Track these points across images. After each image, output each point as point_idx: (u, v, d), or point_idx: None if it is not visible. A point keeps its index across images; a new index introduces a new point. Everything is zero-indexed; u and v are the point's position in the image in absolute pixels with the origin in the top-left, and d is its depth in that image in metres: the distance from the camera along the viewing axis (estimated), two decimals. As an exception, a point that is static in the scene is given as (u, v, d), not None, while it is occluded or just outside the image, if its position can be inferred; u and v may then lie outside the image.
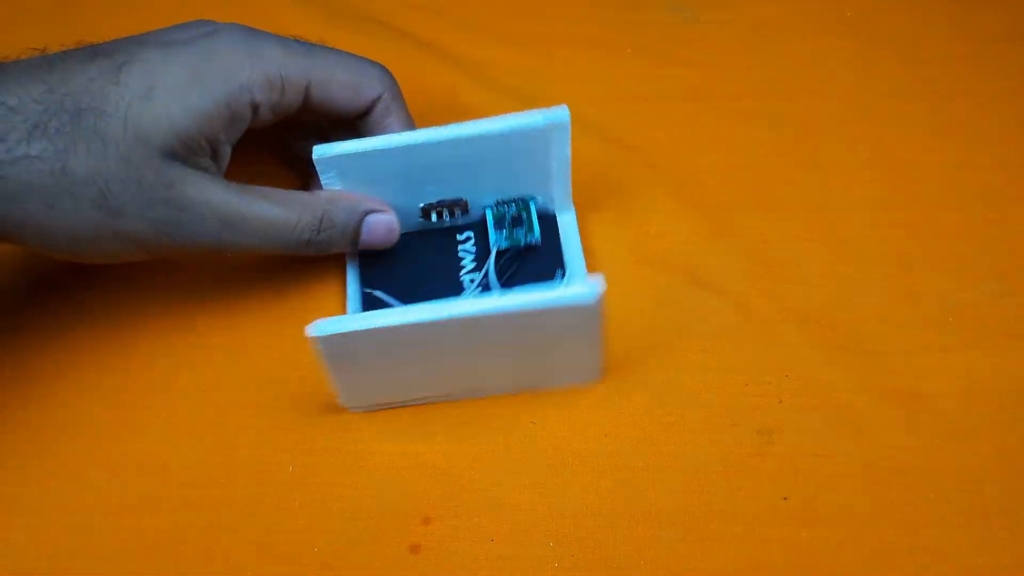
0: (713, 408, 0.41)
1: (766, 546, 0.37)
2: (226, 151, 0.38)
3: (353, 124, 0.42)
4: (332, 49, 0.41)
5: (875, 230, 0.47)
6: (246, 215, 0.37)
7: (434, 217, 0.43)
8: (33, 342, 0.44)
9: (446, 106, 0.53)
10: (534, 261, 0.43)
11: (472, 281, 0.42)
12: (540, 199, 0.43)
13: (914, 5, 0.57)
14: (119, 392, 0.43)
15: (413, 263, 0.43)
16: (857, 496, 0.38)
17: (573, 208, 0.45)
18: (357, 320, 0.33)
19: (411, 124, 0.43)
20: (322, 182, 0.41)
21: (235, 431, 0.41)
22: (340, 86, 0.40)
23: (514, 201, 0.43)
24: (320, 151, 0.39)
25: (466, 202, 0.43)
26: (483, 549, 0.37)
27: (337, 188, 0.41)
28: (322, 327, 0.33)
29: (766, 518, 0.38)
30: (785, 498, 0.38)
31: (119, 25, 0.60)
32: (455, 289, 0.42)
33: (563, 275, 0.41)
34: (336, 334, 0.33)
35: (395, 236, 0.42)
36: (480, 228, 0.44)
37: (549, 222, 0.44)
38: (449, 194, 0.42)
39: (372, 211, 0.41)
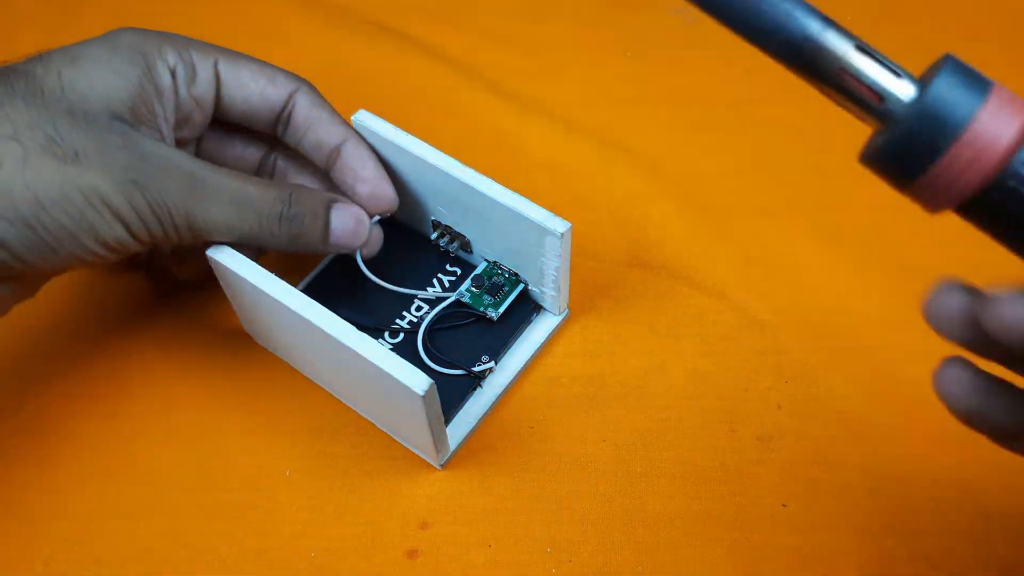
0: (712, 413, 0.41)
1: (765, 552, 0.37)
2: (168, 134, 0.37)
3: (273, 136, 0.41)
4: None
5: (876, 234, 0.47)
6: (216, 178, 0.35)
7: (435, 235, 0.44)
8: (29, 347, 0.44)
9: (445, 108, 0.53)
10: (480, 332, 0.42)
11: (416, 308, 0.42)
12: (535, 291, 0.43)
13: (914, 8, 0.57)
14: (115, 397, 0.42)
15: (395, 253, 0.43)
16: (856, 503, 0.38)
17: (559, 314, 0.43)
18: (234, 259, 0.37)
19: (343, 125, 0.41)
20: None
21: (231, 434, 0.41)
22: (251, 73, 0.39)
23: (510, 272, 0.43)
24: (358, 117, 0.41)
25: (469, 241, 0.43)
26: (481, 554, 0.37)
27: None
28: (215, 251, 0.37)
29: (765, 524, 0.38)
30: (784, 504, 0.38)
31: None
32: (402, 300, 0.42)
33: (488, 361, 0.41)
34: (217, 260, 0.37)
35: (364, 231, 0.40)
36: (470, 272, 0.44)
37: (526, 313, 0.43)
38: (456, 226, 0.43)
39: (339, 200, 0.39)
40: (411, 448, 0.40)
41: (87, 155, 0.32)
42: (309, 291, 0.40)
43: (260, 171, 0.42)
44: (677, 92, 0.54)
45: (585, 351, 0.43)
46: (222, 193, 0.36)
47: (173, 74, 0.37)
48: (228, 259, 0.37)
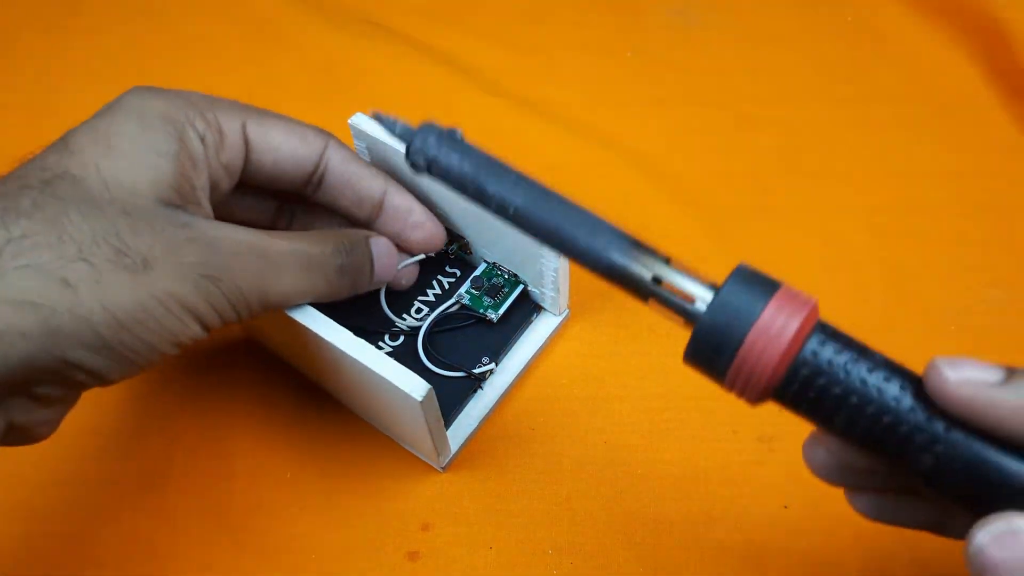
0: (713, 415, 0.41)
1: (766, 554, 0.37)
2: (207, 205, 0.35)
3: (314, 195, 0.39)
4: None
5: (876, 237, 0.47)
6: (278, 246, 0.34)
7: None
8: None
9: (445, 108, 0.53)
10: (480, 333, 0.42)
11: (416, 310, 0.42)
12: (535, 292, 0.43)
13: (913, 12, 0.57)
14: (115, 398, 0.42)
15: None
16: (857, 504, 0.38)
17: (559, 315, 0.43)
18: None
19: (380, 175, 0.40)
20: (355, 146, 0.42)
21: (233, 437, 0.41)
22: (281, 134, 0.37)
23: (509, 274, 0.43)
24: (354, 120, 0.41)
25: (468, 243, 0.43)
26: (482, 556, 0.37)
27: (366, 159, 0.42)
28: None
29: (766, 526, 0.38)
30: (786, 506, 0.38)
31: (118, 29, 0.60)
32: (402, 303, 0.42)
33: (488, 363, 0.41)
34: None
35: (396, 261, 0.39)
36: (470, 274, 0.44)
37: (526, 314, 0.43)
38: (455, 227, 0.43)
39: (371, 235, 0.39)
40: (412, 451, 0.40)
41: (156, 259, 0.31)
42: None
43: (276, 222, 0.41)
44: (677, 92, 0.54)
45: (585, 352, 0.43)
46: (288, 263, 0.34)
47: (203, 141, 0.35)
48: None
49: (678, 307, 0.26)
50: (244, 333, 0.44)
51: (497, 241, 0.41)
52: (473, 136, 0.52)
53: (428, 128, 0.28)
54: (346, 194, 0.39)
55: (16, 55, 0.58)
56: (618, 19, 0.58)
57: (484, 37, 0.57)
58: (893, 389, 0.24)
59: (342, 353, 0.34)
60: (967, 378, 0.24)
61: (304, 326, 0.35)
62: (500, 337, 0.42)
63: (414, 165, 0.28)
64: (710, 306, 0.25)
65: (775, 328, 0.24)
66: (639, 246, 0.27)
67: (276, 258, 0.34)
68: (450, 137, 0.29)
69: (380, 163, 0.42)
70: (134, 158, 0.32)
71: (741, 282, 0.25)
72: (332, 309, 0.36)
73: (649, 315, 0.44)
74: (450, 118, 0.52)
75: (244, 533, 0.38)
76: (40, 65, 0.58)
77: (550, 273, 0.40)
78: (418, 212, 0.40)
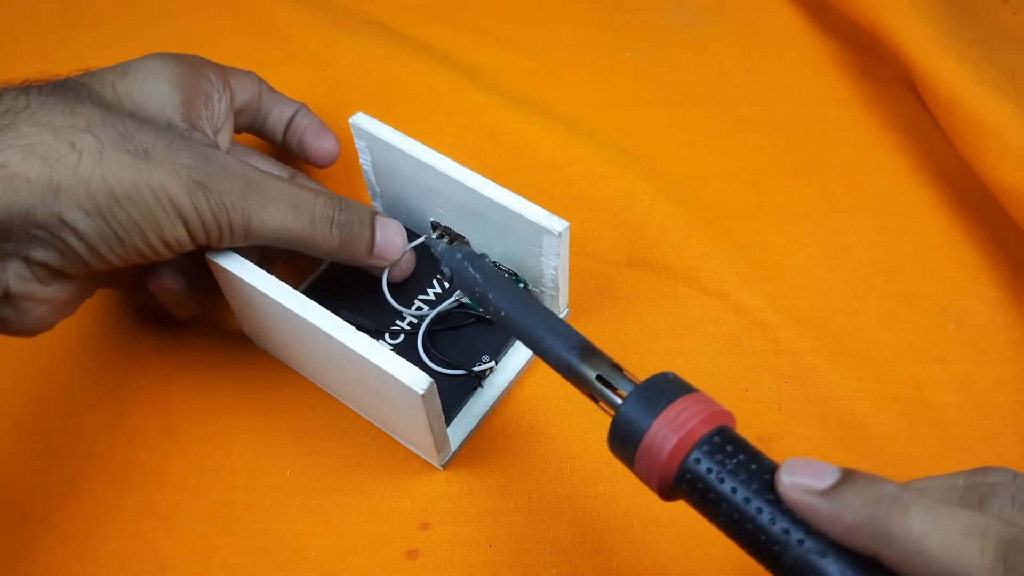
0: (712, 414, 0.41)
1: (765, 553, 0.37)
2: (214, 141, 0.38)
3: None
4: None
5: (876, 236, 0.47)
6: (271, 182, 0.37)
7: (434, 236, 0.44)
8: (30, 347, 0.44)
9: (445, 108, 0.53)
10: (480, 332, 0.42)
11: (416, 308, 0.42)
12: (535, 291, 0.42)
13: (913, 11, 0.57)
14: (116, 399, 0.42)
15: None
16: (857, 503, 0.38)
17: (560, 314, 0.43)
18: (236, 263, 0.37)
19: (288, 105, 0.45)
20: (356, 145, 0.43)
21: (232, 435, 0.41)
22: (242, 79, 0.43)
23: (509, 272, 0.42)
24: (356, 119, 0.42)
25: (468, 242, 0.43)
26: (481, 555, 0.37)
27: (367, 160, 0.43)
28: (215, 255, 0.38)
29: (765, 525, 0.38)
30: (784, 505, 0.38)
31: (118, 28, 0.60)
32: (402, 302, 0.42)
33: (489, 361, 0.41)
34: (219, 264, 0.37)
35: (404, 245, 0.41)
36: None
37: None
38: (456, 226, 0.43)
39: (380, 213, 0.41)
40: (412, 449, 0.40)
41: (156, 153, 0.34)
42: (309, 294, 0.40)
43: None
44: (677, 92, 0.54)
45: (585, 351, 0.43)
46: (279, 196, 0.37)
47: (216, 86, 0.39)
48: (230, 263, 0.37)
49: (610, 401, 0.30)
50: (243, 333, 0.44)
51: (497, 240, 0.41)
52: (473, 135, 0.52)
53: (456, 249, 0.37)
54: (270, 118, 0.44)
55: (16, 55, 0.58)
56: (618, 19, 0.58)
57: (484, 37, 0.57)
58: (759, 501, 0.25)
59: (344, 347, 0.34)
60: (798, 483, 0.25)
61: (307, 320, 0.35)
62: (500, 335, 0.42)
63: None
64: (619, 409, 0.29)
65: (658, 442, 0.27)
66: (590, 352, 0.32)
67: (264, 187, 0.36)
68: (471, 255, 0.37)
69: (381, 162, 0.42)
70: (147, 83, 0.36)
71: (638, 398, 0.28)
72: (333, 308, 0.36)
73: (649, 315, 0.44)
74: (450, 117, 0.52)
75: (244, 533, 0.38)
76: (40, 65, 0.58)
77: (550, 272, 0.40)
78: (325, 135, 0.45)
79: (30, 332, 0.35)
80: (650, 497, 0.38)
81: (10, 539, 0.39)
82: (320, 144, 0.44)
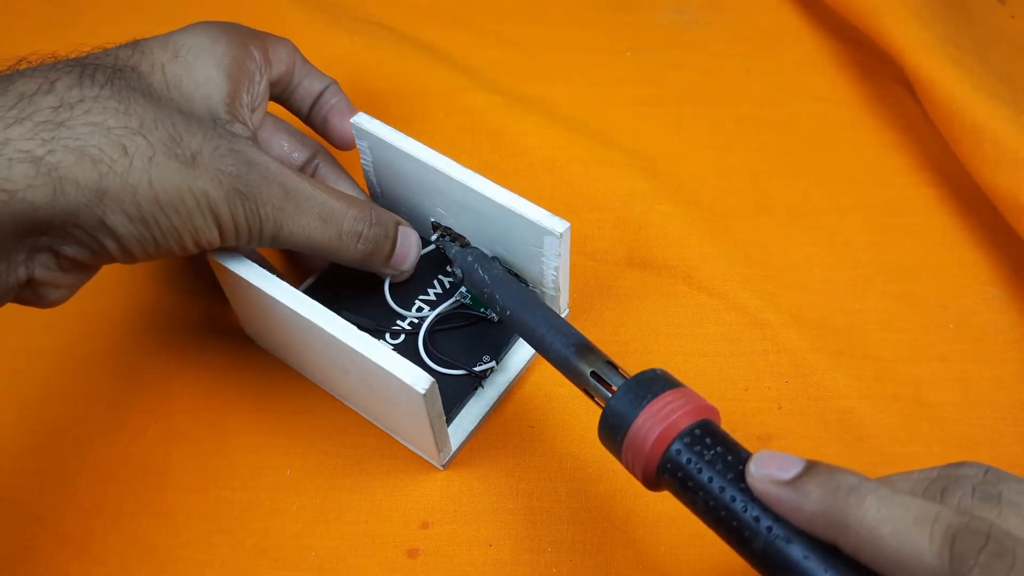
0: (713, 413, 0.41)
1: (765, 552, 0.37)
2: (251, 125, 0.38)
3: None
4: None
5: (876, 235, 0.47)
6: (307, 190, 0.37)
7: (434, 236, 0.44)
8: (30, 347, 0.44)
9: (445, 108, 0.53)
10: (481, 332, 0.42)
11: (416, 308, 0.42)
12: (536, 291, 0.42)
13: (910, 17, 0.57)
14: (116, 398, 0.42)
15: None
16: (857, 503, 0.38)
17: (560, 314, 0.42)
18: (237, 262, 0.37)
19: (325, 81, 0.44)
20: (358, 145, 0.43)
21: (232, 434, 0.41)
22: (282, 46, 0.42)
23: (511, 272, 0.42)
24: (358, 119, 0.42)
25: (468, 242, 0.43)
26: (481, 554, 0.37)
27: (368, 160, 0.43)
28: (216, 254, 0.38)
29: (765, 524, 0.38)
30: (785, 504, 0.38)
31: (118, 28, 0.60)
32: (403, 302, 0.42)
33: (489, 361, 0.41)
34: (220, 263, 0.37)
35: (417, 254, 0.42)
36: None
37: None
38: (456, 226, 0.43)
39: (402, 222, 0.41)
40: (412, 448, 0.40)
41: (202, 159, 0.34)
42: (310, 293, 0.40)
43: (303, 171, 0.43)
44: (677, 92, 0.54)
45: (585, 351, 0.43)
46: (311, 206, 0.37)
47: (258, 65, 0.39)
48: (231, 262, 0.37)
49: (602, 395, 0.32)
50: (244, 333, 0.44)
51: (498, 240, 0.41)
52: (473, 135, 0.52)
53: (467, 252, 0.40)
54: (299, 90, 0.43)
55: (16, 55, 0.58)
56: (617, 19, 0.58)
57: (484, 36, 0.57)
58: (733, 490, 0.27)
59: (346, 347, 0.34)
60: (764, 474, 0.26)
61: (309, 320, 0.35)
62: (501, 335, 0.42)
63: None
64: (609, 402, 0.30)
65: (642, 434, 0.29)
66: (586, 349, 0.34)
67: (299, 198, 0.36)
68: (481, 257, 0.40)
69: (382, 162, 0.42)
70: (196, 68, 0.36)
71: (626, 391, 0.30)
72: (334, 308, 0.36)
73: (649, 314, 0.44)
74: (450, 117, 0.52)
75: (244, 532, 0.38)
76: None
77: (551, 272, 0.40)
78: (350, 117, 0.43)
79: (45, 307, 0.35)
80: (650, 497, 0.39)
81: (10, 539, 0.38)
82: (344, 126, 0.43)
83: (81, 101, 0.32)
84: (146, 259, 0.34)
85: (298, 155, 0.42)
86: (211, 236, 0.35)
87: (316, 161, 0.43)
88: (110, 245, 0.33)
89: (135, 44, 0.36)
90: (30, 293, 0.33)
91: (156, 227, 0.33)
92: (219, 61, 0.37)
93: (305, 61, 0.44)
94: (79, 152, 0.31)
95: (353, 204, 0.38)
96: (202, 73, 0.36)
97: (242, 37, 0.39)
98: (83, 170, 0.31)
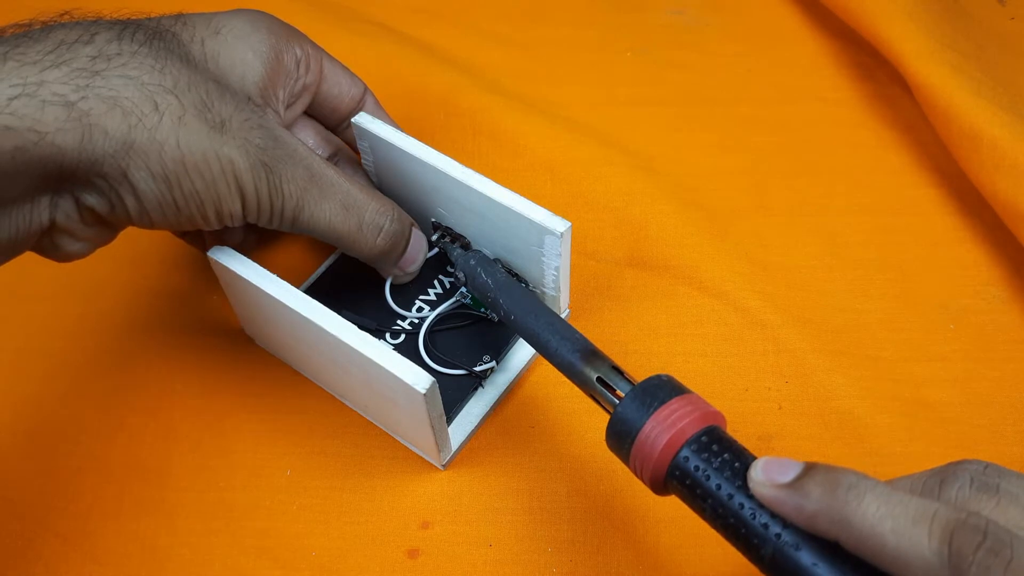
0: (713, 413, 0.41)
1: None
2: (283, 118, 0.38)
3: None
4: None
5: (876, 235, 0.47)
6: (332, 177, 0.37)
7: (435, 236, 0.43)
8: (29, 347, 0.44)
9: (445, 108, 0.53)
10: (481, 332, 0.42)
11: (417, 308, 0.42)
12: (536, 291, 0.42)
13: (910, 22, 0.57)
14: (116, 398, 0.42)
15: None
16: (857, 503, 0.38)
17: (560, 314, 0.42)
18: (237, 261, 0.37)
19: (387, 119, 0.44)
20: (358, 146, 0.43)
21: (232, 434, 0.41)
22: (344, 73, 0.42)
23: (512, 273, 0.42)
24: (359, 119, 0.42)
25: (469, 242, 0.43)
26: (481, 554, 0.37)
27: (369, 160, 0.43)
28: (215, 252, 0.38)
29: (766, 524, 0.38)
30: (785, 504, 0.38)
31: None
32: (403, 302, 0.42)
33: (489, 361, 0.41)
34: (219, 261, 0.37)
35: (425, 255, 0.42)
36: None
37: None
38: (457, 226, 0.43)
39: (415, 225, 0.41)
40: (413, 448, 0.40)
41: (231, 126, 0.34)
42: (311, 293, 0.40)
43: None
44: (677, 92, 0.54)
45: (585, 351, 0.43)
46: (335, 194, 0.37)
47: (297, 62, 0.39)
48: (231, 261, 0.37)
49: (609, 401, 0.32)
50: (244, 332, 0.44)
51: (498, 240, 0.41)
52: (474, 135, 0.52)
53: (470, 255, 0.40)
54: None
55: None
56: (618, 19, 0.58)
57: (484, 36, 0.57)
58: (741, 497, 0.27)
59: (346, 347, 0.34)
60: (766, 479, 0.27)
61: (309, 319, 0.35)
62: (501, 335, 0.42)
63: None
64: (616, 408, 0.30)
65: (650, 441, 0.29)
66: (592, 355, 0.34)
67: (324, 183, 0.37)
68: (484, 260, 0.40)
69: (383, 162, 0.42)
70: (234, 49, 0.36)
71: (633, 398, 0.30)
72: (334, 308, 0.36)
73: (649, 315, 0.44)
74: (450, 117, 0.52)
75: (244, 532, 0.38)
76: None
77: (551, 272, 0.40)
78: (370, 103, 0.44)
79: (63, 260, 0.35)
80: (650, 497, 0.39)
81: (10, 539, 0.38)
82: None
83: (119, 55, 0.32)
84: (165, 226, 0.34)
85: (321, 151, 0.42)
86: (233, 207, 0.34)
87: (337, 158, 0.43)
88: (129, 202, 0.33)
89: (178, 15, 0.36)
90: (48, 242, 0.33)
91: (179, 189, 0.33)
92: (257, 47, 0.37)
93: (376, 104, 0.44)
94: (111, 102, 0.31)
95: (375, 197, 0.39)
96: (239, 55, 0.36)
97: (288, 32, 0.39)
98: (113, 120, 0.31)
